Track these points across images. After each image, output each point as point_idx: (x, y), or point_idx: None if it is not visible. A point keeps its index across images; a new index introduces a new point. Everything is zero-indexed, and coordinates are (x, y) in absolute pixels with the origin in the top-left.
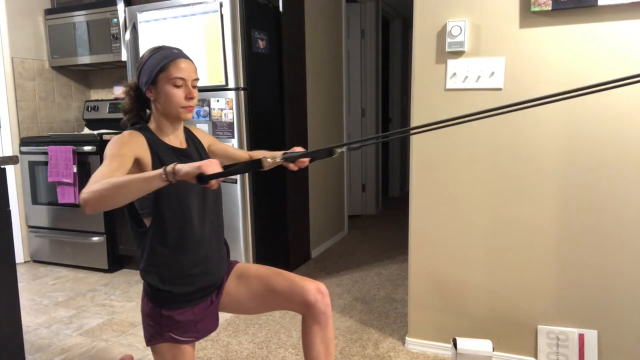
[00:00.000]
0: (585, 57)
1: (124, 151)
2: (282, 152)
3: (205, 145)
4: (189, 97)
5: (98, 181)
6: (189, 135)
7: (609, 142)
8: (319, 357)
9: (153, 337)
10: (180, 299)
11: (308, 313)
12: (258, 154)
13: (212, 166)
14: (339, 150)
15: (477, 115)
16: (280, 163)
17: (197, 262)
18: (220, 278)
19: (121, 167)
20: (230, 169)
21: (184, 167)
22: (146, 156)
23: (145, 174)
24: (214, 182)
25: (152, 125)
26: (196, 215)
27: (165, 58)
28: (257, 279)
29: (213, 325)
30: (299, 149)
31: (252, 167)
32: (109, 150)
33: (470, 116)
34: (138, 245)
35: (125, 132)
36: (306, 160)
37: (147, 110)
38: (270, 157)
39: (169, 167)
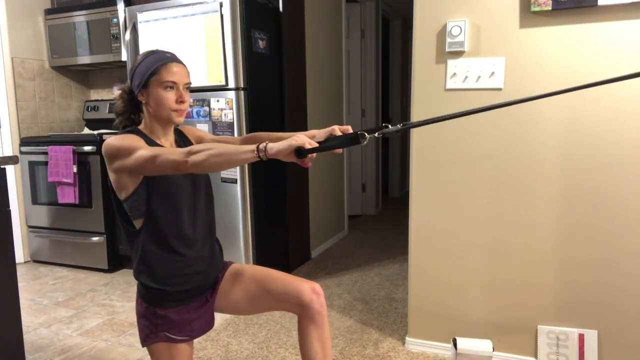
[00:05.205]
0: (586, 57)
1: (141, 143)
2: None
3: (195, 142)
4: (179, 101)
5: (172, 153)
6: (180, 136)
7: (610, 141)
8: (316, 357)
9: (148, 337)
10: (174, 297)
11: (303, 313)
12: (277, 135)
13: (307, 140)
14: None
15: (492, 107)
16: (378, 136)
17: (190, 261)
18: (214, 277)
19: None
20: (328, 144)
21: (275, 146)
22: None
23: (243, 146)
24: (310, 158)
25: (143, 128)
26: (188, 215)
27: (158, 61)
28: (252, 280)
29: (208, 324)
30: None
31: (352, 143)
32: (133, 142)
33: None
34: (130, 246)
35: (120, 135)
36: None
37: (140, 114)
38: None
39: (261, 145)
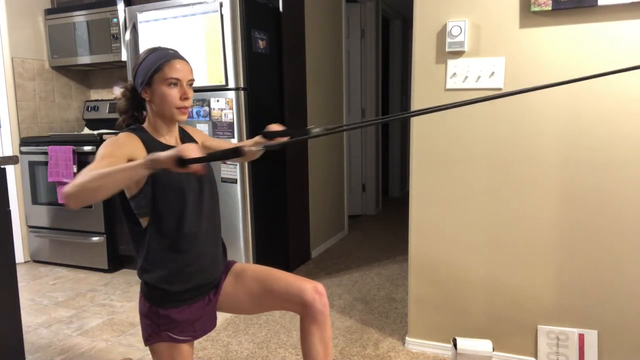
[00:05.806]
0: (586, 57)
1: (116, 153)
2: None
3: (199, 143)
4: (184, 98)
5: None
6: (184, 134)
7: (609, 140)
8: (317, 357)
9: (151, 336)
10: (177, 297)
11: (306, 313)
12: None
13: (191, 150)
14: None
15: (484, 99)
16: (260, 150)
17: (193, 260)
18: (217, 277)
19: (110, 166)
20: (210, 154)
21: (162, 155)
22: (142, 156)
23: (128, 163)
24: (197, 167)
25: (147, 126)
26: (193, 214)
27: (161, 59)
28: (254, 279)
29: (211, 324)
30: (276, 127)
31: (232, 155)
32: (101, 150)
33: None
34: (135, 245)
35: (121, 134)
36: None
37: (143, 112)
38: (253, 146)
39: (149, 156)
